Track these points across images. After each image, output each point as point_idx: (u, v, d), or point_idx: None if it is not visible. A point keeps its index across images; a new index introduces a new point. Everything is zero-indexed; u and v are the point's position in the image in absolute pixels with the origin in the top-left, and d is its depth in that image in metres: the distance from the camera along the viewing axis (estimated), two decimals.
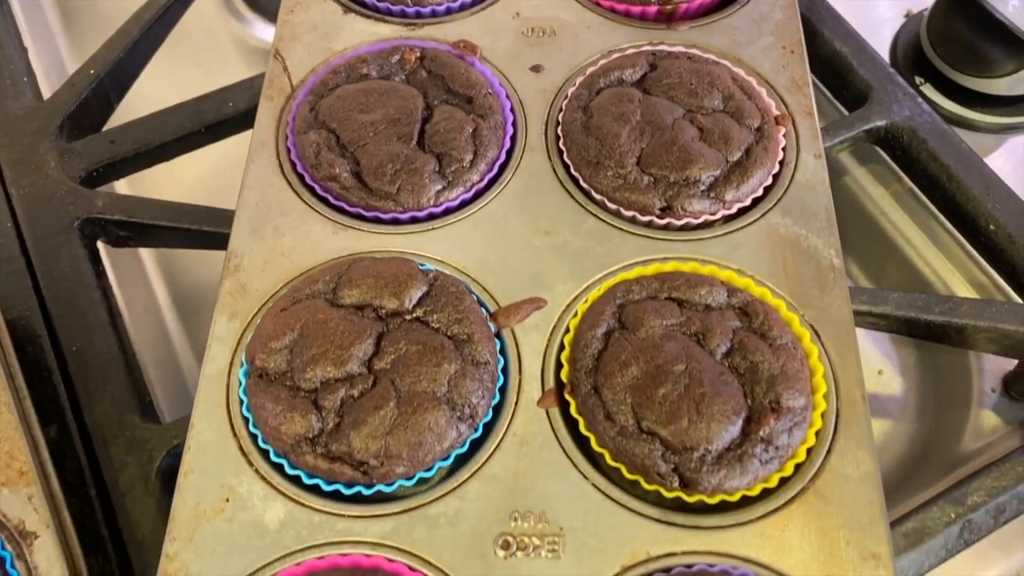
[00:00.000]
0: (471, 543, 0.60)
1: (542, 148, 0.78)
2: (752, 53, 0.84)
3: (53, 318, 0.78)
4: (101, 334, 0.77)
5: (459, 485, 0.62)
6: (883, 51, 1.05)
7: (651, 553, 0.60)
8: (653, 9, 0.86)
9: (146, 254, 1.01)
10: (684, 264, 0.71)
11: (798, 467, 0.63)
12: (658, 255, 0.72)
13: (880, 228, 0.99)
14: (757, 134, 0.77)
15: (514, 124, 0.80)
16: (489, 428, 0.65)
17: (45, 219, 0.83)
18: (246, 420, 0.65)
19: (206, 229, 0.83)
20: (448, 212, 0.75)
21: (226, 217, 0.77)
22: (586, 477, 0.62)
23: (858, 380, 0.66)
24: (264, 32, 1.16)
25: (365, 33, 0.86)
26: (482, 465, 0.63)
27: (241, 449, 0.64)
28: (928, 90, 1.02)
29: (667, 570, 0.59)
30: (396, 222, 0.74)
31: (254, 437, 0.64)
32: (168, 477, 0.69)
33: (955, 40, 1.01)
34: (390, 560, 0.59)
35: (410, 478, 0.62)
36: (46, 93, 0.95)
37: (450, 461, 0.63)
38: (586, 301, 0.70)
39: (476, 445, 0.64)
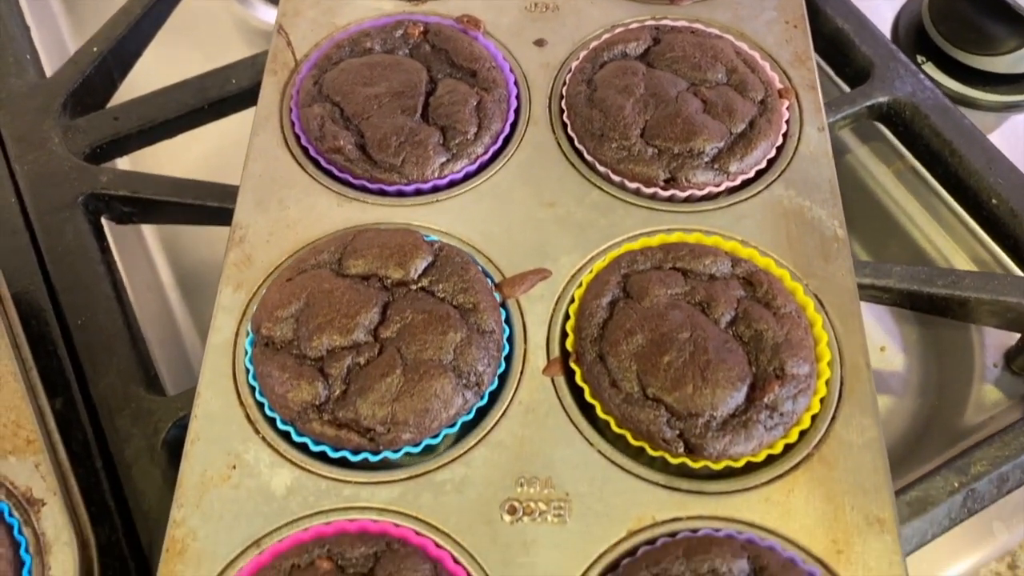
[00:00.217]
0: (477, 509, 0.60)
1: (546, 121, 0.79)
2: (755, 27, 0.84)
3: (58, 292, 0.78)
4: (106, 308, 0.77)
5: (465, 452, 0.62)
6: (885, 30, 1.04)
7: (656, 518, 0.60)
8: None
9: (149, 234, 1.01)
10: (689, 235, 0.71)
11: (803, 434, 0.63)
12: (662, 227, 0.72)
13: (882, 206, 0.99)
14: (760, 107, 0.77)
15: (518, 97, 0.80)
16: (495, 397, 0.65)
17: (49, 194, 0.83)
18: (252, 388, 0.65)
19: (210, 204, 0.83)
20: (452, 184, 0.75)
21: (230, 192, 0.77)
22: (591, 444, 0.63)
23: (862, 348, 0.66)
24: (266, 13, 1.16)
25: (368, 8, 0.86)
26: (488, 432, 0.63)
27: (248, 417, 0.64)
28: (930, 68, 1.02)
29: (672, 534, 0.59)
30: (400, 194, 0.74)
31: (260, 405, 0.64)
32: (174, 448, 0.69)
33: (957, 18, 1.01)
34: (396, 525, 0.60)
35: (416, 445, 0.62)
36: (49, 72, 0.95)
37: (456, 428, 0.63)
38: (591, 272, 0.70)
39: (482, 413, 0.64)
